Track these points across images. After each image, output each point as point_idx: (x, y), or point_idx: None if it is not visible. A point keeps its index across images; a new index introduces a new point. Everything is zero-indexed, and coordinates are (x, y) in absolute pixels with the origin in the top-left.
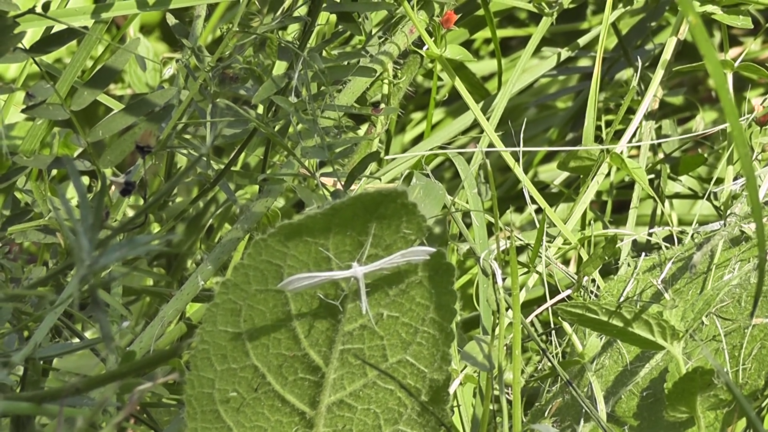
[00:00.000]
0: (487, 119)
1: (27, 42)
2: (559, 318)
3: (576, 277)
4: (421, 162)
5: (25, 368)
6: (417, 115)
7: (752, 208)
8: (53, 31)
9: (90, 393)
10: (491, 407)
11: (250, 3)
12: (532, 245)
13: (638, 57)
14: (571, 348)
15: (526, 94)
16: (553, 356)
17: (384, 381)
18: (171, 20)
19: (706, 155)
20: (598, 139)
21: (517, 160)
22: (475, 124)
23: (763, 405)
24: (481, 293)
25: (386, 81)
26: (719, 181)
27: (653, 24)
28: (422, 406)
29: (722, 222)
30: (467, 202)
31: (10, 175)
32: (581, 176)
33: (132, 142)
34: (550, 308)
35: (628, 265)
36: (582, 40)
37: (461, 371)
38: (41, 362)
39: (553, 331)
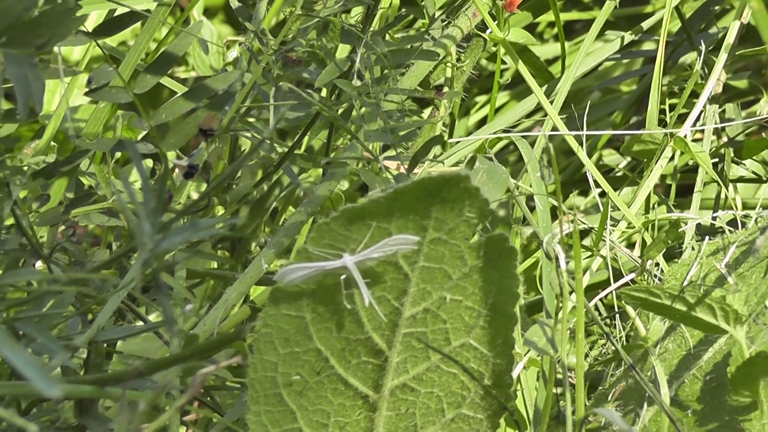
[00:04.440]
0: (551, 103)
1: (91, 25)
2: (623, 302)
3: (640, 260)
4: (485, 145)
5: (89, 351)
6: (481, 99)
7: None
8: (116, 14)
9: (153, 376)
10: (554, 391)
11: None
12: (596, 229)
13: (702, 41)
14: (635, 332)
15: (589, 78)
16: (616, 340)
17: (447, 365)
18: (234, 3)
19: None
20: (662, 123)
21: (581, 144)
22: (539, 108)
23: None
24: (544, 277)
25: (449, 64)
26: None
27: (716, 8)
28: (485, 389)
29: None
30: (531, 186)
31: (74, 158)
32: (645, 160)
33: (195, 125)
34: (613, 292)
35: (692, 249)
36: (645, 24)
37: (525, 355)
38: (104, 345)
39: (617, 315)
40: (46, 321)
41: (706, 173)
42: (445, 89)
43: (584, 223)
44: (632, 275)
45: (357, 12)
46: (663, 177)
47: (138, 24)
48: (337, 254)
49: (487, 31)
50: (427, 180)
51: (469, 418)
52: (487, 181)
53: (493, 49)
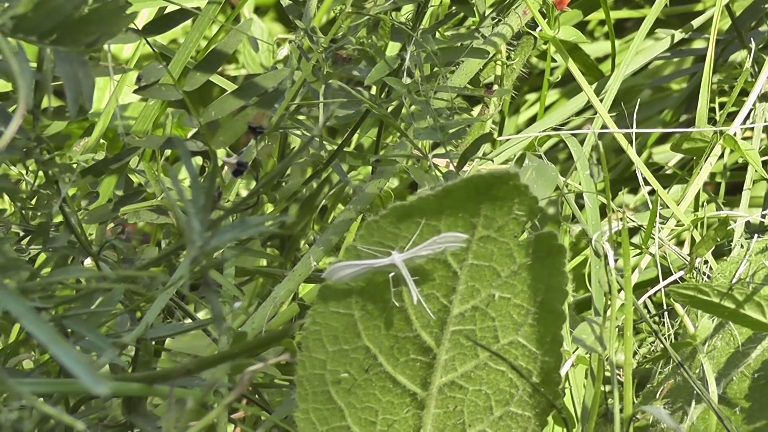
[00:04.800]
0: (601, 101)
1: (141, 23)
2: (672, 299)
3: (689, 258)
4: (534, 143)
5: (137, 349)
6: (531, 97)
7: None
8: (166, 11)
9: (201, 373)
10: (602, 389)
11: None
12: (645, 227)
13: (752, 39)
14: (683, 329)
15: (640, 76)
16: (665, 338)
17: (495, 362)
18: (285, 1)
19: None
20: (712, 121)
21: (631, 142)
22: (589, 106)
23: None
24: (593, 275)
25: (499, 62)
26: None
27: (767, 6)
28: (533, 387)
29: None
30: (580, 184)
31: (123, 155)
32: (695, 158)
33: (245, 122)
34: (662, 290)
35: (741, 246)
36: (696, 22)
37: (573, 352)
38: (153, 343)
39: (666, 313)
40: (95, 318)
41: (756, 171)
42: (495, 87)
43: (633, 221)
44: (681, 273)
45: (407, 10)
46: (712, 175)
47: (188, 22)
48: (386, 252)
49: (538, 29)
50: (476, 178)
51: (517, 415)
52: (536, 179)
53: (543, 47)
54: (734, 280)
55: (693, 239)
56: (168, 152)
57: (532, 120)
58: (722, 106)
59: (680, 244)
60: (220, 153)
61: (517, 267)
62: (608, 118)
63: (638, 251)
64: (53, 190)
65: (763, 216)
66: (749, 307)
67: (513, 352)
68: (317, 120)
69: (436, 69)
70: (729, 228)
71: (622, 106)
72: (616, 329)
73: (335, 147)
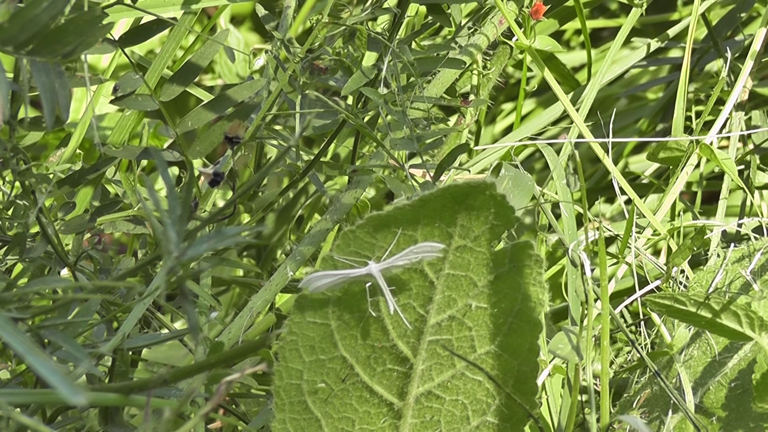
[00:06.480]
0: (577, 110)
1: (119, 33)
2: (648, 309)
3: (665, 267)
4: (511, 153)
5: (114, 359)
6: (507, 106)
7: None
8: (142, 22)
9: (178, 384)
10: (579, 398)
11: None
12: (622, 236)
13: (728, 48)
14: (660, 339)
15: (616, 85)
16: (641, 347)
17: (472, 372)
18: (261, 11)
19: None
20: (688, 130)
21: (607, 151)
22: (565, 115)
23: None
24: (569, 284)
25: (476, 72)
26: None
27: (743, 15)
28: (510, 397)
29: None
30: (556, 193)
31: (100, 165)
32: (671, 167)
33: (221, 133)
34: (639, 299)
35: (718, 255)
36: (672, 31)
37: (550, 362)
38: (130, 353)
39: (642, 322)
40: (72, 329)
41: (732, 180)
42: (471, 97)
43: (610, 231)
44: (657, 282)
45: (384, 20)
46: (689, 184)
47: (165, 32)
48: (363, 262)
49: (514, 39)
50: (452, 187)
51: (494, 425)
52: (512, 189)
53: (520, 56)
54: (711, 290)
55: (669, 248)
56: (144, 162)
57: (509, 129)
58: (698, 115)
59: (657, 253)
60: (197, 163)
61: (494, 277)
62: (584, 128)
63: (615, 261)
64: (30, 200)
65: (740, 225)
66: (726, 317)
67: (490, 361)
68: (294, 130)
69: (412, 79)
70: (705, 237)
71: (598, 115)
72: (593, 339)
73: (312, 157)
